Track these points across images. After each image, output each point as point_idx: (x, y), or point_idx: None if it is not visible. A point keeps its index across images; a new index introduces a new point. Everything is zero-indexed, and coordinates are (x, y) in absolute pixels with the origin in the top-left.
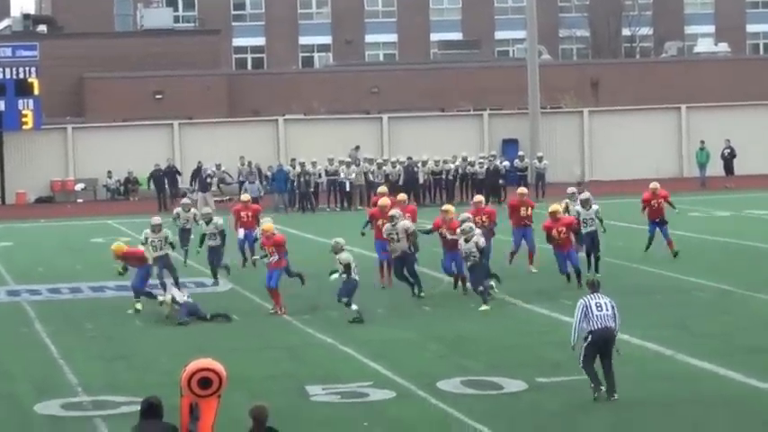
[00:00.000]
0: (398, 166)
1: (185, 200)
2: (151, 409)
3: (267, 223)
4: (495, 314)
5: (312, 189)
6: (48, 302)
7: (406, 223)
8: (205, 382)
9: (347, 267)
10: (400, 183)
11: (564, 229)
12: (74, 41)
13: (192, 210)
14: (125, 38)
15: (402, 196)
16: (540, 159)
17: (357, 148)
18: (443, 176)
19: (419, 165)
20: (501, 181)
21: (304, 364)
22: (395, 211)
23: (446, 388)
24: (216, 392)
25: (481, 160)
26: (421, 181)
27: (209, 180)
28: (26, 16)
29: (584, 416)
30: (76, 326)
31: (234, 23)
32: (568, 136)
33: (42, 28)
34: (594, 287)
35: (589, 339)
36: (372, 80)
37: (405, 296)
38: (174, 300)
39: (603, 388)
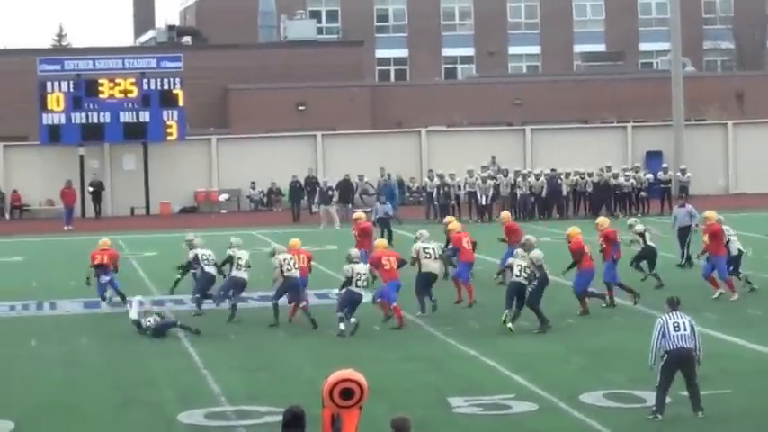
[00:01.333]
0: (542, 178)
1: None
2: (294, 420)
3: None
4: (639, 327)
5: (452, 201)
6: (191, 312)
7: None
8: (347, 393)
9: (348, 280)
10: (543, 195)
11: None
12: (218, 53)
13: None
14: (269, 49)
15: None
16: (684, 172)
17: (493, 158)
18: (586, 189)
19: (562, 177)
20: (643, 194)
21: (446, 375)
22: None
23: (588, 401)
24: (357, 403)
25: (625, 172)
26: (564, 193)
27: (330, 193)
28: (171, 28)
29: (727, 429)
30: (220, 335)
31: (377, 35)
32: (713, 148)
33: (187, 39)
34: (674, 305)
35: (665, 359)
36: (515, 92)
37: (548, 309)
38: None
39: (660, 417)
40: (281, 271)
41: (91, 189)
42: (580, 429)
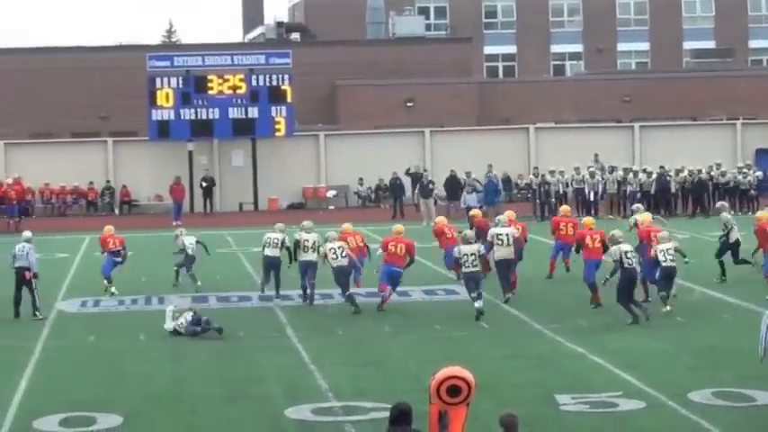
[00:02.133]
0: (654, 175)
1: (181, 228)
2: (402, 416)
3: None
4: (748, 325)
5: (553, 198)
6: (298, 308)
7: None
8: (454, 390)
9: (457, 261)
10: (652, 192)
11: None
12: (326, 49)
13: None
14: (377, 46)
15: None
16: None
17: (596, 156)
18: (695, 186)
19: (671, 174)
20: (752, 192)
21: (553, 372)
22: None
23: (697, 399)
24: (465, 401)
25: (741, 170)
26: (673, 191)
27: (431, 187)
28: (279, 24)
29: None
30: (327, 331)
31: (485, 31)
32: None
33: (295, 36)
34: None
35: None
36: (624, 89)
37: (655, 306)
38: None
39: None
40: (329, 260)
41: (204, 184)
42: (689, 428)
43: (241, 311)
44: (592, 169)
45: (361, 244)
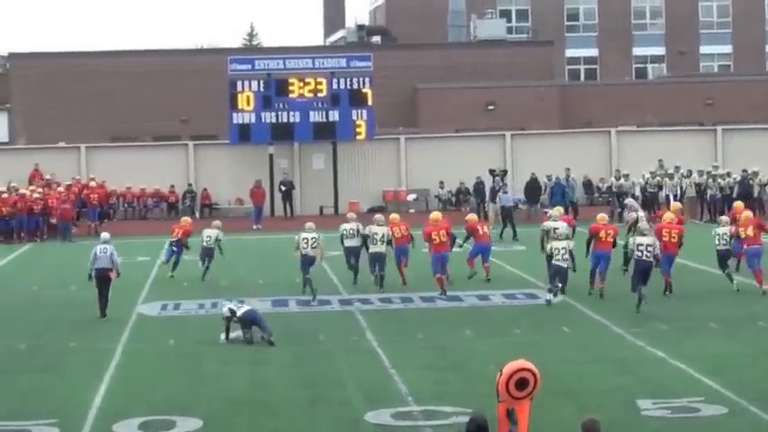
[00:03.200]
0: (732, 178)
1: (217, 221)
2: (478, 431)
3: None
4: None
5: (621, 208)
6: (379, 312)
7: None
8: (522, 384)
9: (549, 256)
10: (734, 195)
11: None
12: (407, 52)
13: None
14: (458, 49)
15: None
16: None
17: (660, 162)
18: None
19: (753, 177)
20: None
21: (634, 377)
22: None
23: None
24: (530, 393)
25: None
26: (755, 194)
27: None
28: (360, 27)
29: None
30: (407, 335)
31: (567, 34)
32: None
33: (376, 39)
34: None
35: None
36: (707, 92)
37: (737, 310)
38: (232, 313)
39: None
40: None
41: (283, 188)
42: None
43: (321, 315)
44: (671, 171)
45: (406, 233)
